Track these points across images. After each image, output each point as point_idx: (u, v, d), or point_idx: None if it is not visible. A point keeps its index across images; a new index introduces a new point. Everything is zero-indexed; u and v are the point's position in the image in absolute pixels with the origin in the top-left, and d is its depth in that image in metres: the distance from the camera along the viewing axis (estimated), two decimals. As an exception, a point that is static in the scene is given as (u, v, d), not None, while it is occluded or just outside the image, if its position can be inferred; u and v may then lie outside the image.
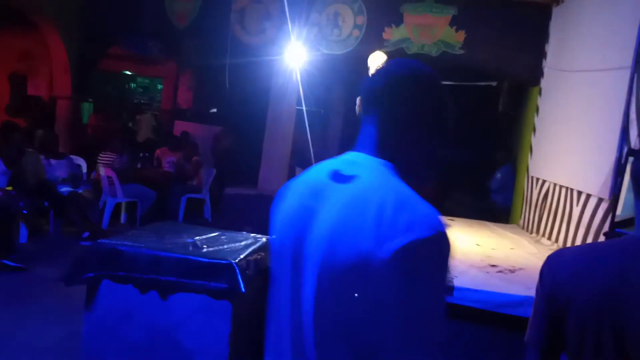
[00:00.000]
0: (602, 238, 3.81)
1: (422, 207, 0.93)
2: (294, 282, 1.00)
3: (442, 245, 0.90)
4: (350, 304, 0.90)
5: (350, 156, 1.07)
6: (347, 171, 1.01)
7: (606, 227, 3.77)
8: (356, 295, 0.89)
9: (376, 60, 4.14)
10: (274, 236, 1.10)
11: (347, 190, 0.98)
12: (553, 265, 1.24)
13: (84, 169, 6.74)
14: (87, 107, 11.72)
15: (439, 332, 0.89)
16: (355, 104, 10.68)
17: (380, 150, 1.04)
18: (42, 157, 5.82)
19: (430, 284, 0.89)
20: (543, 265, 1.28)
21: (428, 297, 0.88)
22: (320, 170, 1.07)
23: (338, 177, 1.01)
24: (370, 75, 1.10)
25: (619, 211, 3.64)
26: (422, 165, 1.08)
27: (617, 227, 3.62)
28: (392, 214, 0.90)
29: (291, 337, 1.00)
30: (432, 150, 1.08)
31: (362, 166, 1.02)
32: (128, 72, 12.56)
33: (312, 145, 7.08)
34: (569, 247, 1.33)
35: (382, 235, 0.88)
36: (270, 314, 1.10)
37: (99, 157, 6.58)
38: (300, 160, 7.47)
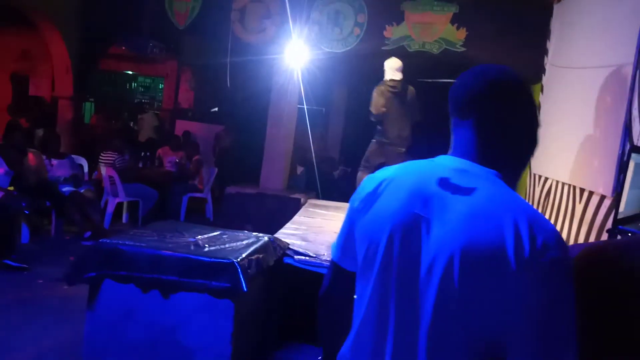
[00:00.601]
0: (605, 235, 3.80)
1: (550, 226, 0.95)
2: (401, 285, 1.01)
3: (570, 264, 0.93)
4: (480, 313, 0.93)
5: (457, 163, 1.05)
6: (461, 182, 1.01)
7: (609, 225, 3.76)
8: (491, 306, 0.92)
9: (392, 64, 4.17)
10: (370, 229, 1.08)
11: (469, 203, 0.98)
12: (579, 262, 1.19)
13: (86, 169, 6.74)
14: (88, 107, 11.73)
15: (573, 349, 0.90)
16: (356, 102, 10.61)
17: (486, 158, 1.03)
18: (43, 157, 5.82)
19: (569, 295, 0.91)
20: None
21: (566, 314, 0.90)
22: (421, 175, 1.06)
23: (452, 187, 1.01)
24: (461, 78, 1.10)
25: (621, 208, 3.63)
26: (519, 169, 1.08)
27: (620, 225, 3.60)
28: (528, 234, 0.92)
29: (394, 337, 1.01)
30: (528, 161, 1.08)
31: (477, 177, 1.01)
32: (129, 72, 12.56)
33: (314, 143, 7.07)
34: (578, 245, 1.31)
35: (521, 255, 0.90)
36: (362, 304, 1.09)
37: (101, 157, 6.58)
38: (302, 159, 7.47)
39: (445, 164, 1.06)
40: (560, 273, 0.91)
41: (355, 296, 1.13)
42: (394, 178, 1.10)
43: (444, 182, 1.01)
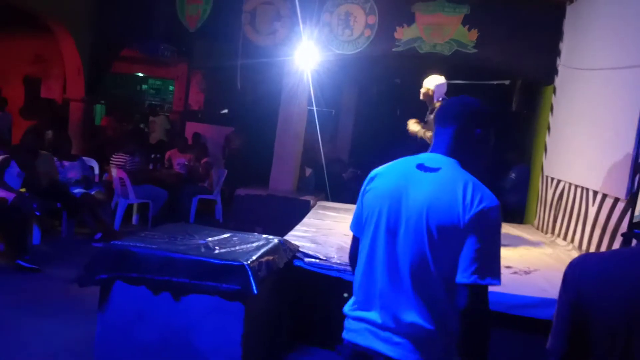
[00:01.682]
0: (619, 238, 3.74)
1: (486, 189, 1.50)
2: (390, 235, 1.53)
3: (499, 211, 1.47)
4: (442, 247, 1.46)
5: (430, 155, 1.61)
6: (431, 165, 1.55)
7: (623, 228, 3.71)
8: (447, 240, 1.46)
9: (434, 81, 4.31)
10: (370, 203, 1.62)
11: (435, 177, 1.52)
12: (578, 271, 1.22)
13: (96, 171, 6.78)
14: (99, 109, 11.82)
15: (498, 263, 1.46)
16: (367, 104, 10.64)
17: (452, 152, 1.59)
18: (55, 159, 5.86)
19: (496, 234, 1.47)
20: (566, 271, 1.26)
21: (495, 243, 1.47)
22: (405, 163, 1.61)
23: (424, 168, 1.55)
24: (445, 101, 1.76)
25: (636, 211, 3.58)
26: (477, 163, 1.62)
27: (634, 228, 3.55)
28: (471, 193, 1.46)
29: (387, 268, 1.53)
30: (484, 155, 1.64)
31: (442, 162, 1.56)
32: (140, 74, 12.64)
33: (323, 145, 7.07)
34: (593, 253, 1.34)
35: (467, 205, 1.45)
36: (364, 252, 1.61)
37: (111, 159, 6.62)
38: (311, 160, 7.46)
39: (423, 156, 1.62)
40: (488, 216, 1.45)
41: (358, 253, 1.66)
42: (386, 169, 1.66)
43: (419, 166, 1.56)
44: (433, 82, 4.32)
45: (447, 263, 1.45)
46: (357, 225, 1.69)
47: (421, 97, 4.42)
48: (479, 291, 1.42)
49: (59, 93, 10.66)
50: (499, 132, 1.69)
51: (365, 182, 1.68)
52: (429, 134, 4.21)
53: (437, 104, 4.27)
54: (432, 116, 4.23)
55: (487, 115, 1.63)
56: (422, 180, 1.51)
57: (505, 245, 4.41)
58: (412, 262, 1.48)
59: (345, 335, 1.62)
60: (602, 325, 1.12)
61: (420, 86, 4.44)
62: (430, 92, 4.29)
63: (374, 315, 1.54)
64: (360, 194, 1.69)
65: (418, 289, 1.48)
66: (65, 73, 8.05)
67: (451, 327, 1.48)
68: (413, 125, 4.49)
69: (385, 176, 1.61)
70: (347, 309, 1.64)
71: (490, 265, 1.43)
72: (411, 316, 1.47)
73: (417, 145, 4.30)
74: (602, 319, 1.12)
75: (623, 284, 1.11)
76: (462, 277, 1.43)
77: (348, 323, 1.62)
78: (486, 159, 1.64)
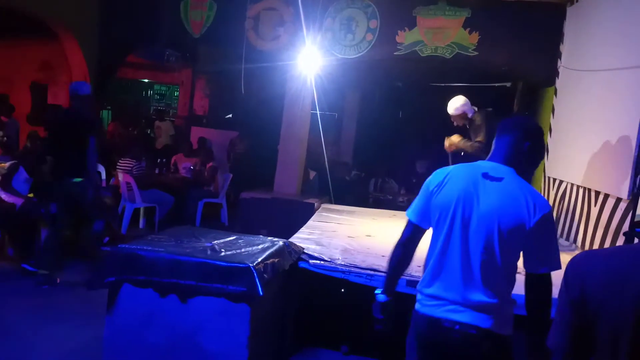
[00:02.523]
0: (621, 238, 3.77)
1: (540, 196, 1.87)
2: (464, 230, 1.86)
3: (552, 213, 1.82)
4: (509, 244, 1.82)
5: (491, 164, 1.93)
6: (495, 174, 1.89)
7: (625, 227, 3.73)
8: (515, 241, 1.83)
9: (456, 103, 4.59)
10: (442, 201, 1.93)
11: (500, 186, 1.86)
12: (581, 269, 1.20)
13: (103, 176, 6.85)
14: (105, 115, 11.91)
15: (558, 254, 1.84)
16: (369, 107, 10.64)
17: (508, 160, 1.92)
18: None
19: (555, 234, 1.88)
20: (568, 269, 1.25)
21: (555, 239, 1.86)
22: (471, 170, 1.93)
23: (490, 177, 1.88)
24: (510, 117, 2.08)
25: (638, 211, 3.60)
26: (526, 172, 1.95)
27: (637, 227, 3.58)
28: (533, 201, 1.82)
29: (461, 263, 1.86)
30: (531, 165, 2.00)
31: (503, 171, 1.90)
32: (145, 80, 12.73)
33: (327, 148, 7.11)
34: (596, 250, 1.36)
35: (531, 213, 1.80)
36: (439, 241, 1.91)
37: (118, 164, 6.69)
38: (314, 164, 7.51)
39: (485, 164, 1.95)
40: (547, 220, 1.82)
41: (430, 242, 1.97)
42: (454, 172, 1.95)
43: (485, 175, 1.89)
44: (458, 104, 4.60)
45: (511, 256, 1.85)
46: (420, 215, 2.00)
47: (456, 124, 4.65)
48: (545, 278, 1.84)
49: (65, 99, 10.74)
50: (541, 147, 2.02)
51: (434, 179, 1.97)
52: (468, 143, 4.54)
53: (476, 116, 4.48)
54: (475, 128, 4.52)
55: (535, 132, 1.97)
56: (490, 188, 1.86)
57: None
58: (482, 254, 1.83)
59: (419, 308, 1.96)
60: (608, 323, 1.11)
61: (421, 87, 4.58)
62: (462, 113, 4.60)
63: (449, 294, 1.88)
64: (427, 188, 1.99)
65: (485, 274, 1.83)
66: (71, 79, 8.13)
67: (508, 300, 1.88)
68: (456, 139, 4.68)
69: (455, 180, 1.92)
70: (420, 286, 1.97)
71: (552, 257, 1.83)
72: (478, 294, 1.84)
73: (455, 156, 4.51)
74: (608, 317, 1.11)
75: (630, 282, 1.09)
76: (532, 268, 1.85)
77: (422, 299, 1.95)
78: (532, 169, 2.02)
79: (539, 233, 1.79)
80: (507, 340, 1.87)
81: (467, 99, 4.64)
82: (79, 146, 4.54)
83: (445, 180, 1.93)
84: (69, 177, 4.57)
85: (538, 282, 1.84)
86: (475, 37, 6.03)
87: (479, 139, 4.45)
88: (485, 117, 4.55)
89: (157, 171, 7.54)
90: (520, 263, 1.91)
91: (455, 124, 4.70)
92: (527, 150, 1.91)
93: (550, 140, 5.73)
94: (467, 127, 4.65)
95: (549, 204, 1.83)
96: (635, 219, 3.62)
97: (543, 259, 1.83)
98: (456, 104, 4.60)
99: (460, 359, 1.87)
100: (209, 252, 2.93)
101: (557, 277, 1.55)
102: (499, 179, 1.86)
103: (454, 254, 1.87)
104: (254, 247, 3.08)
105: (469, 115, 4.58)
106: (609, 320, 1.11)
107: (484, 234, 1.82)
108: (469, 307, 1.84)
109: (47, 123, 6.05)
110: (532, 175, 2.00)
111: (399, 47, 6.26)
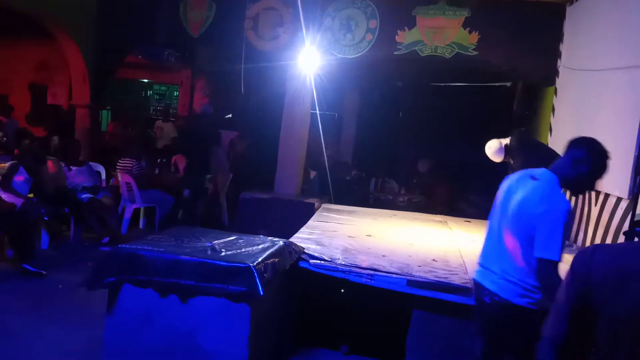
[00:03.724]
0: (621, 237, 3.77)
1: (558, 197, 2.19)
2: (502, 217, 2.32)
3: (563, 212, 2.12)
4: (525, 229, 2.19)
5: (542, 170, 2.29)
6: (537, 176, 2.27)
7: (626, 227, 3.73)
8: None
9: (496, 144, 4.48)
10: (498, 196, 2.42)
11: (534, 184, 2.24)
12: (590, 262, 1.20)
13: (103, 176, 6.84)
14: (105, 115, 11.90)
15: (558, 248, 2.11)
16: (369, 107, 10.59)
17: (556, 170, 2.26)
18: (62, 164, 5.93)
19: (558, 228, 2.11)
20: (575, 261, 1.24)
21: (557, 232, 2.11)
22: (525, 173, 2.34)
23: (532, 177, 2.27)
24: (576, 138, 2.35)
25: (638, 210, 3.60)
26: (570, 183, 2.26)
27: (637, 227, 3.58)
28: (546, 197, 2.18)
29: (496, 239, 2.35)
30: (574, 179, 2.24)
31: (544, 175, 2.26)
32: (145, 80, 12.72)
33: (326, 148, 7.11)
34: (605, 245, 1.32)
35: (542, 203, 2.16)
36: (489, 227, 2.44)
37: (118, 164, 6.68)
38: (314, 163, 7.50)
39: (537, 170, 2.30)
40: (550, 213, 2.12)
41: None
42: (515, 175, 2.42)
43: (531, 176, 2.28)
44: (490, 153, 4.52)
45: (525, 240, 2.20)
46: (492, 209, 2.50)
47: (503, 160, 4.55)
48: (541, 263, 2.13)
49: (64, 99, 10.75)
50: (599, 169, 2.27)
51: (505, 182, 2.45)
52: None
53: (511, 142, 4.41)
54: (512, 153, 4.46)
55: (585, 152, 2.24)
56: (527, 185, 2.27)
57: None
58: (508, 237, 2.28)
59: (474, 275, 2.50)
60: (610, 318, 1.11)
61: (420, 87, 4.55)
62: (503, 147, 4.46)
63: (489, 266, 2.38)
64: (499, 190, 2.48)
65: (511, 253, 2.27)
66: (70, 80, 8.13)
67: (528, 274, 2.22)
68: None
69: (510, 180, 2.41)
70: (478, 260, 2.50)
71: (550, 246, 2.11)
72: (505, 267, 2.29)
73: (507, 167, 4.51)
74: (611, 312, 1.11)
75: (637, 278, 1.09)
76: (535, 252, 2.15)
77: (477, 268, 2.49)
78: (576, 183, 2.27)
79: (542, 222, 2.12)
80: (525, 311, 2.20)
81: (495, 143, 4.49)
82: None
83: (504, 182, 2.45)
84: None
85: (538, 265, 2.14)
86: (475, 37, 6.03)
87: (513, 164, 4.38)
88: (518, 139, 4.45)
89: (157, 171, 7.53)
90: None
91: (503, 160, 4.59)
92: (572, 165, 2.22)
93: (550, 140, 5.73)
94: (513, 162, 4.55)
95: (563, 204, 2.15)
96: (636, 219, 3.62)
97: (541, 245, 2.13)
98: (489, 153, 4.51)
99: (489, 321, 2.35)
100: (209, 252, 2.92)
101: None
102: (537, 179, 2.25)
103: (494, 235, 2.38)
104: (254, 247, 3.08)
105: (511, 144, 4.45)
106: (612, 315, 1.11)
107: (512, 220, 2.27)
108: (498, 277, 2.30)
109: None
110: (588, 190, 2.32)
111: (398, 46, 6.27)
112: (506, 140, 4.49)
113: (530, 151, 4.30)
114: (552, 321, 1.26)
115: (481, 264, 2.46)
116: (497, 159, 4.53)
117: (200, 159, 6.40)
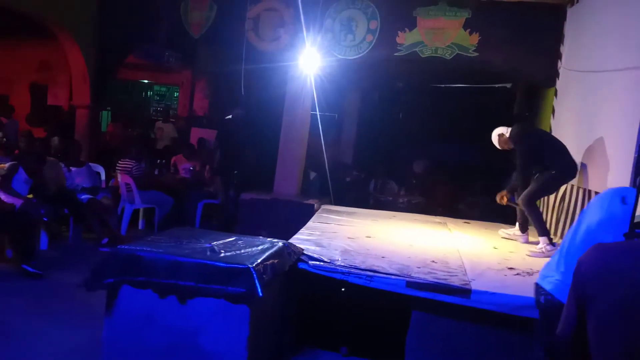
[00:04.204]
0: (621, 239, 3.76)
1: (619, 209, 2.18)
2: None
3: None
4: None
5: (630, 189, 2.37)
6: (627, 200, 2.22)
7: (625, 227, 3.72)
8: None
9: (499, 131, 4.64)
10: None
11: (624, 208, 2.17)
12: (585, 260, 1.22)
13: (103, 176, 6.84)
14: (105, 115, 11.90)
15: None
16: (369, 108, 10.62)
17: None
18: (62, 165, 5.93)
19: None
20: (578, 262, 1.26)
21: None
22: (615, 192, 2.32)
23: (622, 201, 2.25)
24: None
25: (638, 212, 3.59)
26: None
27: (636, 228, 3.57)
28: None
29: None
30: None
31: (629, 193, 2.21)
32: (145, 81, 12.72)
33: (326, 149, 7.11)
34: (606, 244, 1.32)
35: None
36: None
37: (118, 164, 6.68)
38: (314, 164, 7.50)
39: (627, 188, 2.39)
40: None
41: None
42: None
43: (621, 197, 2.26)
44: (501, 132, 4.63)
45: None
46: None
47: (502, 147, 4.65)
48: None
49: (65, 100, 10.76)
50: None
51: None
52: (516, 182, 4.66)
53: (511, 134, 4.50)
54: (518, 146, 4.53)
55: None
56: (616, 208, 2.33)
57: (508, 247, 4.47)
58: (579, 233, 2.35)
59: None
60: (597, 315, 1.11)
61: (421, 88, 4.59)
62: (505, 139, 4.59)
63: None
64: None
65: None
66: (71, 80, 8.13)
67: None
68: (504, 192, 4.85)
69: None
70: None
71: None
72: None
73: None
74: (598, 309, 1.11)
75: (625, 277, 1.09)
76: None
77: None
78: None
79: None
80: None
81: (500, 130, 4.60)
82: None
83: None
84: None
85: None
86: (475, 38, 6.03)
87: (518, 162, 4.45)
88: (517, 132, 4.51)
89: (156, 172, 7.53)
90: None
91: (501, 147, 4.67)
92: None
93: (550, 141, 5.72)
94: (517, 152, 4.59)
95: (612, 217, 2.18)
96: (635, 220, 3.61)
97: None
98: (500, 131, 4.62)
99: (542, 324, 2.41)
100: (208, 253, 2.92)
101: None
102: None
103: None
104: (254, 248, 3.07)
105: (509, 134, 4.56)
106: (599, 312, 1.11)
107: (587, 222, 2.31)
108: (556, 279, 2.30)
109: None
110: None
111: (399, 47, 6.26)
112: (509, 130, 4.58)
113: (533, 143, 4.41)
114: (561, 321, 1.27)
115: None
116: (503, 145, 4.62)
117: (237, 162, 6.81)
